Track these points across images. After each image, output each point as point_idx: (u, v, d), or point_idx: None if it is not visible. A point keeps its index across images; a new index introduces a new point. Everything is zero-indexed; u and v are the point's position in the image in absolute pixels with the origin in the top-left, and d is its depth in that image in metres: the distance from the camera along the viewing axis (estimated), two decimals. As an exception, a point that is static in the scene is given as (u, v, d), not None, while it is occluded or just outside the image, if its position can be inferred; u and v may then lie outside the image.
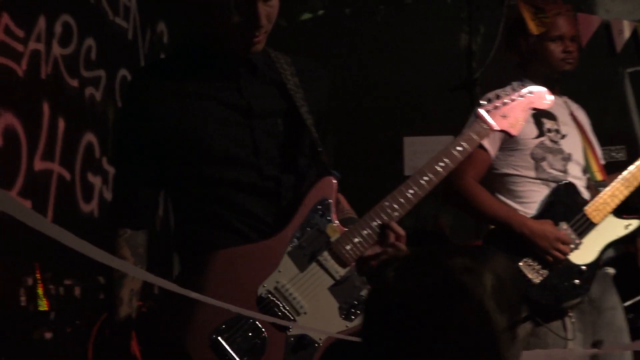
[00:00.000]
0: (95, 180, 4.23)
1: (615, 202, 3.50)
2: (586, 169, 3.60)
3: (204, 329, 2.21)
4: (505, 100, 2.63)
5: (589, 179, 3.59)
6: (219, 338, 2.21)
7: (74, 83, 4.09)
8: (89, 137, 4.20)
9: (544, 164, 3.50)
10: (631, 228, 3.51)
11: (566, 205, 3.45)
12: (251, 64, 2.37)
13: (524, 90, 2.69)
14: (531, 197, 3.47)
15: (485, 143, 3.40)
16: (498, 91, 2.71)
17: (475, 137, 2.53)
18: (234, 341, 2.21)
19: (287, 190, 2.36)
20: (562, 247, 3.32)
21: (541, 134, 3.52)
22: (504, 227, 3.39)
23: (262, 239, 2.29)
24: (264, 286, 2.25)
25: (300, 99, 2.40)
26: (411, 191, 2.38)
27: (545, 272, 3.32)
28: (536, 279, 3.31)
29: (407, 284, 1.41)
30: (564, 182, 3.48)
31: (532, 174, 3.49)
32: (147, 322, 2.47)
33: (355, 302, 2.29)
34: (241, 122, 2.33)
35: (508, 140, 3.43)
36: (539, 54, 3.62)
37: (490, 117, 2.59)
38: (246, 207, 2.31)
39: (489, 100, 2.65)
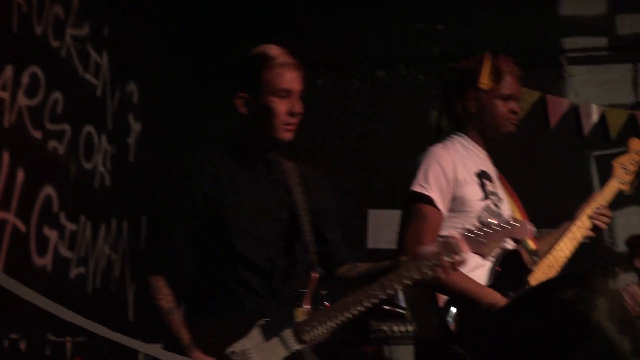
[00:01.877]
0: (51, 235, 4.16)
1: (552, 273, 3.42)
2: None
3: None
4: (487, 228, 2.78)
5: (521, 247, 3.41)
6: None
7: (37, 135, 4.06)
8: (48, 190, 4.15)
9: None
10: None
11: (512, 275, 3.28)
12: (268, 163, 3.05)
13: (506, 222, 2.81)
14: (471, 263, 3.18)
15: (438, 202, 3.25)
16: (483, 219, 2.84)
17: (447, 258, 2.71)
18: None
19: (280, 271, 2.93)
20: None
21: (486, 196, 3.36)
22: (470, 302, 3.14)
23: (251, 308, 2.86)
24: (232, 348, 2.76)
25: (299, 198, 3.00)
26: (374, 292, 2.74)
27: None
28: None
29: (526, 323, 1.38)
30: (510, 249, 3.32)
31: None
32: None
33: None
34: (256, 208, 2.95)
35: (455, 201, 3.30)
36: (486, 111, 3.46)
37: (467, 240, 2.74)
38: (246, 280, 2.89)
39: (472, 225, 2.78)
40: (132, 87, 5.26)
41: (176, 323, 2.81)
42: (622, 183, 3.79)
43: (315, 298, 2.88)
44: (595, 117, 6.00)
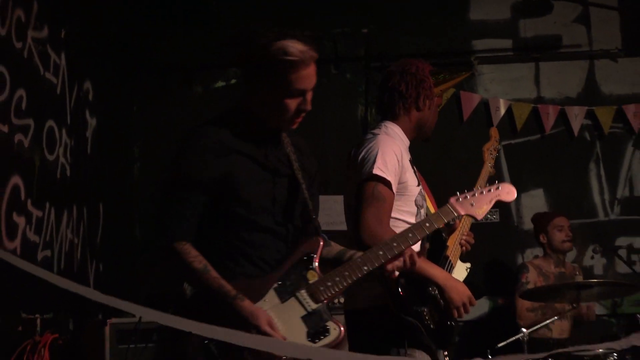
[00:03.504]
0: (20, 221, 4.10)
1: (459, 248, 3.50)
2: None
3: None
4: (474, 192, 2.88)
5: None
6: (210, 344, 2.52)
7: (4, 129, 4.00)
8: (16, 180, 4.09)
9: (422, 211, 3.39)
10: (469, 270, 3.52)
11: (434, 251, 3.39)
12: (276, 137, 2.78)
13: (495, 186, 2.90)
14: None
15: (394, 186, 3.22)
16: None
17: (442, 217, 2.81)
18: (222, 348, 2.50)
19: (291, 235, 2.77)
20: (468, 305, 3.21)
21: (418, 183, 3.41)
22: (420, 277, 3.17)
23: (268, 271, 2.69)
24: None
25: (297, 167, 2.78)
26: (380, 252, 2.71)
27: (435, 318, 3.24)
28: (432, 325, 3.21)
29: None
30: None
31: (412, 219, 3.31)
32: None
33: (321, 329, 2.63)
34: (267, 178, 2.73)
35: (400, 185, 3.29)
36: (431, 113, 3.50)
37: (460, 205, 2.84)
38: (259, 244, 2.70)
39: (462, 192, 2.86)
40: (88, 85, 5.21)
41: (216, 279, 2.59)
42: (491, 167, 3.97)
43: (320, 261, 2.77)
44: (502, 111, 6.15)
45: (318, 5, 6.16)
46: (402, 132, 3.46)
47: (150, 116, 6.17)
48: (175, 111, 6.12)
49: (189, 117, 6.12)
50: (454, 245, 3.50)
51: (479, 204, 2.85)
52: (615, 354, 4.40)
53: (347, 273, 2.67)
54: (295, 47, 2.60)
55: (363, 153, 3.29)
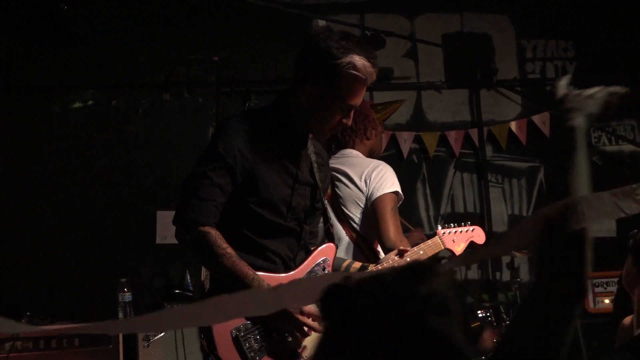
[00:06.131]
0: None
1: None
2: None
3: (227, 326, 2.47)
4: (456, 230, 2.99)
5: None
6: (237, 334, 2.48)
7: None
8: None
9: None
10: None
11: None
12: (305, 146, 2.72)
13: (470, 228, 3.03)
14: None
15: None
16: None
17: (433, 246, 2.90)
18: (247, 339, 2.48)
19: (306, 233, 2.69)
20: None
21: None
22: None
23: (282, 268, 2.60)
24: None
25: (318, 178, 2.72)
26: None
27: None
28: None
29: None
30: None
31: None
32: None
33: None
34: (288, 184, 2.63)
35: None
36: (376, 143, 3.74)
37: (444, 238, 2.95)
38: (272, 238, 2.61)
39: (448, 227, 2.98)
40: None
41: (249, 267, 2.47)
42: None
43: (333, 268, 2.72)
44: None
45: (172, 33, 6.03)
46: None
47: (8, 134, 5.85)
48: (33, 130, 5.84)
49: (46, 135, 5.85)
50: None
51: (458, 241, 2.98)
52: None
53: None
54: (364, 64, 2.53)
55: (375, 172, 3.43)
